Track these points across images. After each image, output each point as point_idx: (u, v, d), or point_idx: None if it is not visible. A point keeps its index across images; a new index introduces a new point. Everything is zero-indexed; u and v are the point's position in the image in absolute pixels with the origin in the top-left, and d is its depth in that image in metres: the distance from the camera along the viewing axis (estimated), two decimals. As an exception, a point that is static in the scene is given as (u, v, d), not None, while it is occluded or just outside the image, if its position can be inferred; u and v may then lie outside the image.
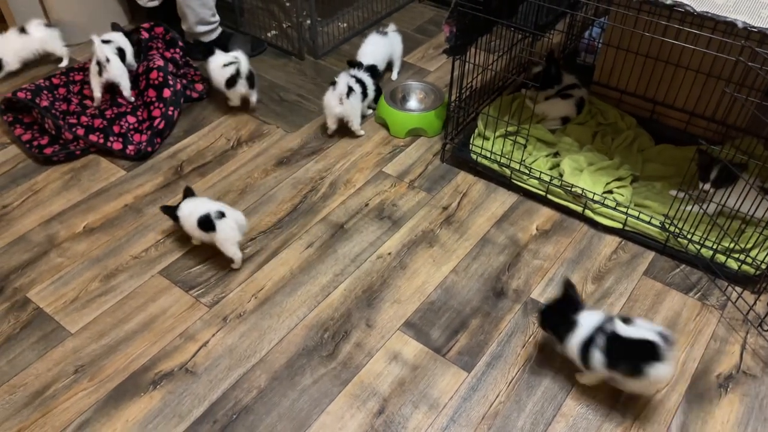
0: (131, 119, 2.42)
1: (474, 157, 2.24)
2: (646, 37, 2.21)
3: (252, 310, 1.83)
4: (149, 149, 2.35)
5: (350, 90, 2.31)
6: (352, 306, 1.84)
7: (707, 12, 1.57)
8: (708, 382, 1.66)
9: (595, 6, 2.63)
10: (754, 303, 1.83)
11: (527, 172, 2.14)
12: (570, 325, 1.55)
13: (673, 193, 2.09)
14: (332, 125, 2.40)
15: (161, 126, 2.40)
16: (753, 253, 1.87)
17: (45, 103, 2.36)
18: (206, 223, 1.85)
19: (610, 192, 2.11)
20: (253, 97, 2.53)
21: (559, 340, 1.59)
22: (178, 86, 2.51)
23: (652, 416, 1.58)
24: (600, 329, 1.50)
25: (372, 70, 2.48)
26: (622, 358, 1.47)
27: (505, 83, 2.61)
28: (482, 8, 1.96)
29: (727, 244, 1.89)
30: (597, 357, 1.49)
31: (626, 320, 1.49)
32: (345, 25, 3.08)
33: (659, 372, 1.44)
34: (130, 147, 2.34)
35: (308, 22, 2.89)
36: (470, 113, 2.43)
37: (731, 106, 2.06)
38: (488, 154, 2.21)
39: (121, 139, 2.34)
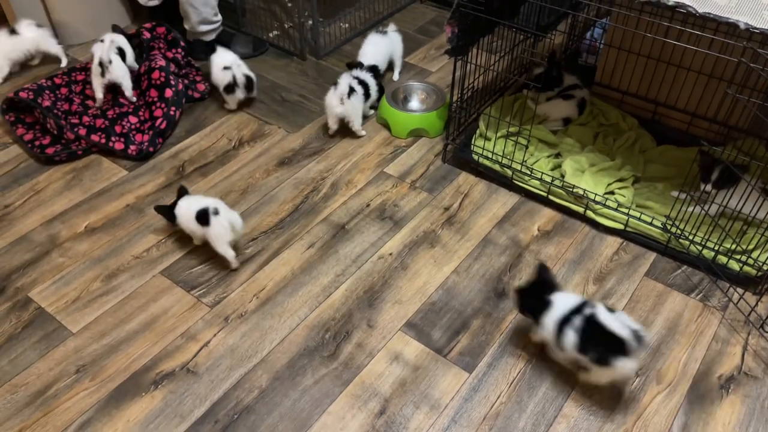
0: (133, 119, 2.43)
1: (475, 157, 2.24)
2: (647, 38, 2.20)
3: (253, 310, 1.83)
4: (151, 149, 2.35)
5: (352, 90, 2.31)
6: (353, 306, 1.84)
7: (709, 13, 1.57)
8: (709, 384, 1.66)
9: (596, 7, 2.63)
10: (756, 304, 1.83)
11: (529, 172, 2.14)
12: (545, 305, 1.59)
13: (675, 194, 2.09)
14: (333, 125, 2.40)
15: (163, 126, 2.40)
16: (755, 255, 1.87)
17: (47, 103, 2.36)
18: (203, 217, 1.86)
19: (612, 193, 2.11)
20: (253, 95, 2.59)
21: (535, 321, 1.62)
22: (180, 86, 2.51)
23: (654, 417, 1.58)
24: (578, 312, 1.53)
25: (374, 70, 2.48)
26: (593, 344, 1.51)
27: (507, 84, 2.61)
28: (484, 9, 1.96)
29: (728, 246, 1.89)
30: (570, 338, 1.53)
31: (609, 310, 1.53)
32: (347, 25, 3.08)
33: (625, 366, 1.48)
34: (132, 147, 2.34)
35: (310, 22, 2.89)
36: (472, 114, 2.43)
37: (733, 107, 2.05)
38: (490, 155, 2.21)
39: (122, 139, 2.35)
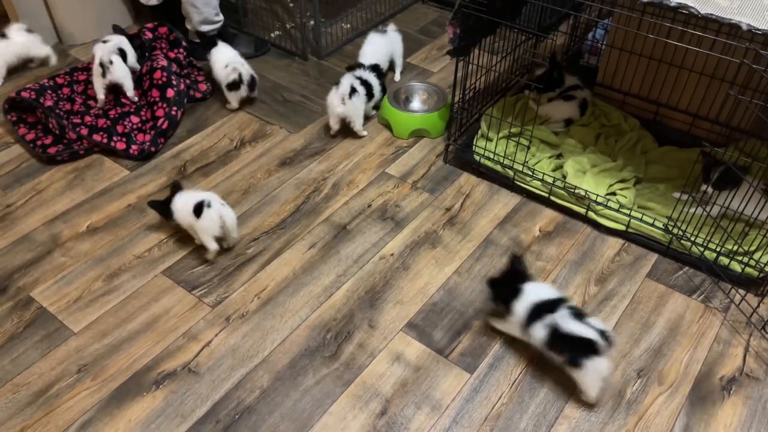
0: (135, 119, 2.43)
1: (477, 158, 2.24)
2: (649, 39, 2.20)
3: (255, 310, 1.83)
4: (153, 149, 2.36)
5: (353, 90, 2.31)
6: (354, 307, 1.84)
7: (711, 14, 1.57)
8: (711, 385, 1.66)
9: (598, 8, 2.63)
10: (758, 305, 1.83)
11: (530, 173, 2.14)
12: (516, 293, 1.62)
13: (677, 195, 2.08)
14: (334, 125, 2.40)
15: (165, 126, 2.40)
16: (756, 256, 1.87)
17: (49, 103, 2.36)
18: (199, 209, 1.88)
19: (614, 194, 2.10)
20: (254, 95, 2.61)
21: (506, 309, 1.65)
22: (182, 86, 2.51)
23: (655, 418, 1.58)
24: (547, 309, 1.56)
25: (377, 69, 2.48)
26: (561, 347, 1.55)
27: (509, 84, 2.61)
28: (486, 10, 1.96)
29: (730, 247, 1.89)
30: (539, 332, 1.56)
31: (578, 314, 1.55)
32: (348, 26, 3.08)
33: (596, 366, 1.51)
34: (134, 147, 2.34)
35: (312, 22, 2.89)
36: (473, 114, 2.43)
37: (735, 108, 2.05)
38: (491, 156, 2.21)
39: (124, 139, 2.35)
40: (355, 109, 2.34)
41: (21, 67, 2.77)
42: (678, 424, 1.57)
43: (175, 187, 1.98)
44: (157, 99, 2.44)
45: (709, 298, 1.87)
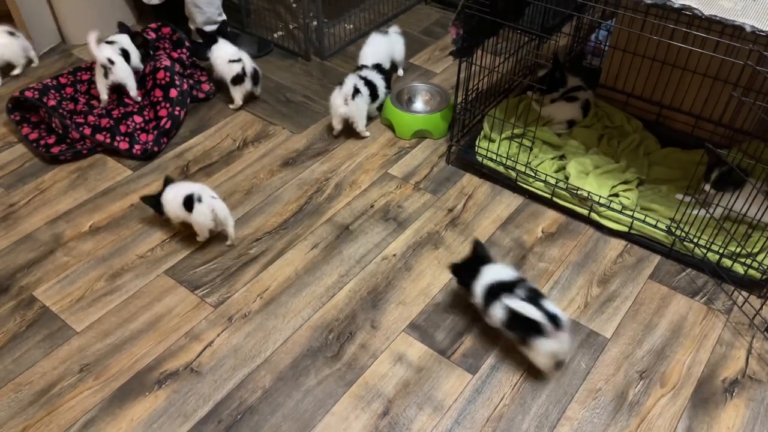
0: (138, 119, 2.43)
1: (480, 159, 2.24)
2: (653, 41, 2.20)
3: (257, 310, 1.83)
4: (155, 149, 2.36)
5: (357, 91, 2.31)
6: (357, 307, 1.84)
7: (715, 16, 1.57)
8: (713, 387, 1.65)
9: (602, 9, 2.63)
10: (761, 307, 1.83)
11: (533, 174, 2.14)
12: (475, 275, 1.69)
13: (680, 196, 2.08)
14: (337, 125, 2.40)
15: (168, 126, 2.40)
16: (759, 258, 1.87)
17: (52, 103, 2.37)
18: (189, 203, 1.91)
19: (616, 195, 2.10)
20: (257, 91, 2.62)
21: (468, 291, 1.71)
22: (185, 86, 2.51)
23: (658, 420, 1.58)
24: (505, 289, 1.62)
25: (382, 70, 2.47)
26: (515, 326, 1.61)
27: (511, 86, 2.61)
28: (489, 10, 1.96)
29: (733, 249, 1.89)
30: (497, 313, 1.62)
31: (536, 295, 1.61)
32: (351, 26, 3.09)
33: (545, 347, 1.57)
34: (137, 146, 2.34)
35: (315, 23, 2.90)
36: (476, 115, 2.43)
37: (738, 110, 2.05)
38: (494, 157, 2.21)
39: (127, 139, 2.35)
40: (357, 110, 2.34)
41: (24, 66, 2.78)
42: (680, 427, 1.57)
43: (167, 181, 2.00)
44: (160, 99, 2.45)
45: (711, 300, 1.87)
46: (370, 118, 2.50)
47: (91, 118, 2.39)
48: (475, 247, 1.76)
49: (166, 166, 2.32)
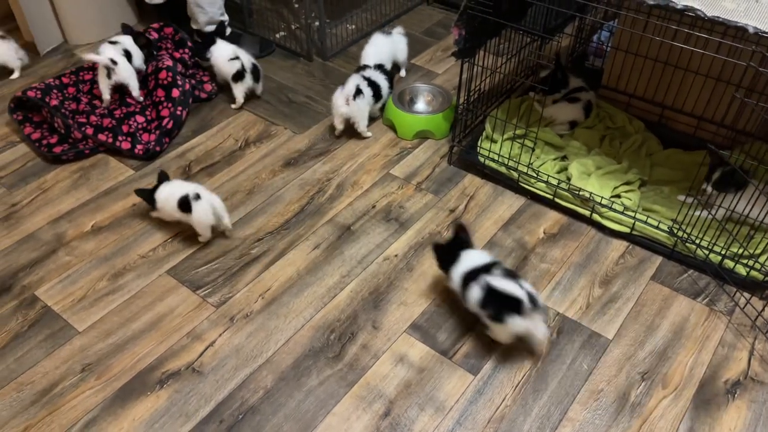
0: (140, 119, 2.43)
1: (481, 159, 2.24)
2: (655, 41, 2.20)
3: (259, 310, 1.83)
4: (158, 149, 2.36)
5: (358, 92, 2.31)
6: (358, 307, 1.84)
7: (718, 17, 1.56)
8: (715, 388, 1.65)
9: (604, 10, 2.63)
10: (763, 309, 1.82)
11: (535, 175, 2.14)
12: (454, 258, 1.71)
13: (682, 198, 2.08)
14: (339, 125, 2.40)
15: (170, 126, 2.40)
16: (762, 259, 1.86)
17: (55, 102, 2.37)
18: (185, 204, 1.91)
19: (618, 196, 2.10)
20: (258, 90, 2.62)
21: (446, 274, 1.74)
22: (187, 86, 2.52)
23: (659, 422, 1.58)
24: (482, 271, 1.64)
25: (384, 70, 2.47)
26: (490, 303, 1.62)
27: (514, 86, 2.60)
28: (491, 11, 1.96)
29: (735, 250, 1.88)
30: (473, 294, 1.64)
31: (511, 274, 1.65)
32: (353, 27, 3.09)
33: (517, 324, 1.59)
34: (139, 146, 2.34)
35: (317, 23, 2.90)
36: (478, 116, 2.43)
37: (741, 111, 2.05)
38: (496, 157, 2.21)
39: (129, 139, 2.35)
40: (359, 110, 2.34)
41: (26, 67, 2.78)
42: (682, 428, 1.57)
43: (162, 177, 2.01)
44: (162, 99, 2.45)
45: (713, 301, 1.86)
46: (371, 119, 2.50)
47: (93, 117, 2.40)
48: (457, 231, 1.79)
49: (168, 166, 2.32)
